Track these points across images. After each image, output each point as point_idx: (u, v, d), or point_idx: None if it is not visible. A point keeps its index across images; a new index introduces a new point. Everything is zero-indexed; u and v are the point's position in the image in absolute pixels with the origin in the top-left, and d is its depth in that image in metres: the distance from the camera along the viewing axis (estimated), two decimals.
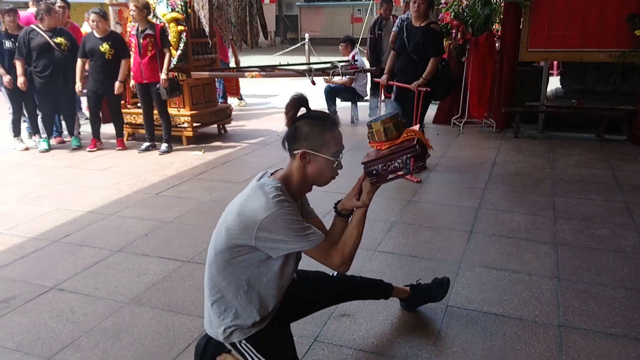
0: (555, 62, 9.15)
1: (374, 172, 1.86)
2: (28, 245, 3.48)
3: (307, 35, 12.88)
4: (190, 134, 6.21)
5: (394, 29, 6.41)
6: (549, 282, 2.85)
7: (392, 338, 2.40)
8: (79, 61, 5.71)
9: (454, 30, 6.70)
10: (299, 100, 1.76)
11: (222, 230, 1.79)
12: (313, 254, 1.76)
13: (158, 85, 5.63)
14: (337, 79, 6.85)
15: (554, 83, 8.05)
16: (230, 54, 8.44)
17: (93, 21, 5.59)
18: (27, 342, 2.41)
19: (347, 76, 6.85)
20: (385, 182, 1.91)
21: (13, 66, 5.70)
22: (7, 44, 5.78)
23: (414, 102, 4.74)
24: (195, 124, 6.24)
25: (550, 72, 8.66)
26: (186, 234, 3.62)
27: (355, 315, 2.57)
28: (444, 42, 6.92)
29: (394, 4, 8.30)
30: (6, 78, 5.71)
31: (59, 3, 6.39)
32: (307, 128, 1.73)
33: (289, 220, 1.68)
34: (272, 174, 1.83)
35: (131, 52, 5.78)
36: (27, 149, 6.10)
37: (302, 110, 1.79)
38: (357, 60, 7.03)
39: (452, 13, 6.70)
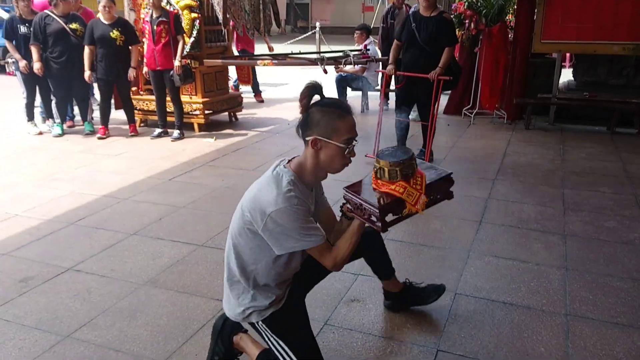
0: (567, 54, 9.09)
1: (349, 203, 1.87)
2: (44, 227, 3.56)
3: (317, 24, 12.84)
4: (202, 121, 6.26)
5: None
6: (557, 272, 2.88)
7: (400, 323, 2.46)
8: (87, 49, 5.71)
9: (467, 21, 6.68)
10: (313, 88, 1.78)
11: (239, 216, 1.85)
12: (310, 252, 1.82)
13: (171, 72, 5.67)
14: (348, 67, 6.86)
15: (566, 75, 8.00)
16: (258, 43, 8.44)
17: (105, 7, 5.61)
18: (46, 320, 2.48)
19: (359, 65, 6.86)
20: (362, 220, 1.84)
21: (28, 51, 5.77)
22: (22, 29, 5.84)
23: (426, 92, 4.72)
24: (207, 111, 6.29)
25: (563, 64, 8.61)
26: (199, 219, 3.68)
27: (365, 301, 2.63)
28: (457, 32, 6.92)
29: None
30: (22, 63, 5.78)
31: None
32: (318, 115, 1.75)
33: (295, 218, 1.71)
34: (288, 162, 1.86)
35: (144, 39, 5.82)
36: (40, 133, 6.19)
37: (317, 98, 1.81)
38: (369, 50, 7.03)
39: (466, 3, 6.67)
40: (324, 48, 11.62)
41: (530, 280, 2.80)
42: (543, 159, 5.13)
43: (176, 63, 5.62)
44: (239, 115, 7.07)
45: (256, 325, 1.91)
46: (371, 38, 7.42)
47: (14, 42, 5.86)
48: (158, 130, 6.06)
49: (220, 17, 5.81)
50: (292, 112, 7.48)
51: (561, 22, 6.24)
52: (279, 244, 1.75)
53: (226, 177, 4.62)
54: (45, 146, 5.70)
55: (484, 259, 3.05)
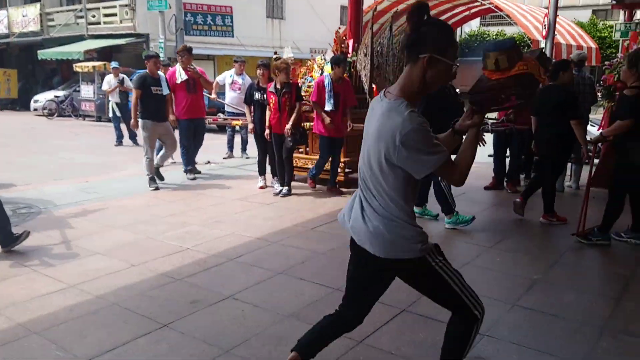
0: None
1: (477, 102, 2.03)
2: (210, 260, 4.21)
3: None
4: (342, 178, 6.80)
5: None
6: None
7: None
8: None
9: (617, 93, 6.49)
10: (422, 7, 1.86)
11: (369, 162, 1.99)
12: (438, 171, 1.89)
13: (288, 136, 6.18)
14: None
15: None
16: None
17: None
18: (211, 336, 2.99)
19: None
20: (489, 111, 2.02)
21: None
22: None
23: None
24: (347, 170, 6.84)
25: None
26: (337, 265, 4.07)
27: (489, 359, 2.75)
28: (607, 104, 6.75)
29: None
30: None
31: None
32: (434, 33, 1.85)
33: (424, 135, 1.82)
34: (384, 94, 1.98)
35: (271, 107, 6.32)
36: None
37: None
38: None
39: (616, 75, 6.51)
40: None
41: None
42: None
43: (287, 127, 6.12)
44: None
45: (429, 256, 2.05)
46: None
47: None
48: (280, 188, 6.46)
49: (365, 87, 6.41)
50: None
51: None
52: (416, 167, 1.86)
53: None
54: (210, 194, 6.64)
55: (617, 336, 2.98)
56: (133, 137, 11.07)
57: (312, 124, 6.73)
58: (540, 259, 4.25)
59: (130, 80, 11.80)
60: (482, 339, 2.93)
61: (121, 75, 11.33)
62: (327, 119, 6.15)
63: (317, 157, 6.88)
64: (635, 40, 7.33)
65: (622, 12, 13.17)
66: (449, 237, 4.90)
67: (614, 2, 11.97)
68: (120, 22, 20.46)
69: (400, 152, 1.84)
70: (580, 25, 21.08)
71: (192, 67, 7.15)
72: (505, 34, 25.14)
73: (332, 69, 6.15)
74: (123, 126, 11.14)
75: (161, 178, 7.01)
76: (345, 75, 6.36)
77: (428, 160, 1.85)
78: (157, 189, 6.70)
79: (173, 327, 3.11)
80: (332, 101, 6.17)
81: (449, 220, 5.10)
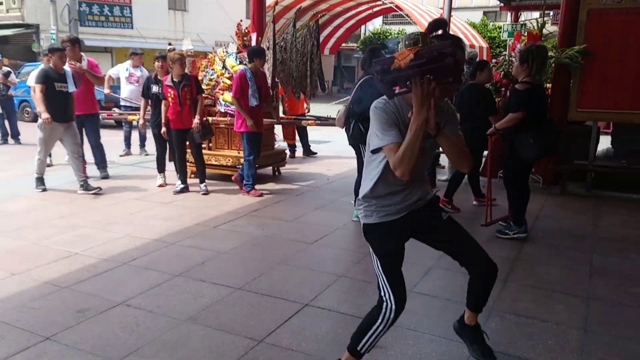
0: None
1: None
2: (101, 265, 3.93)
3: None
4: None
5: None
6: (576, 333, 2.98)
7: None
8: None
9: (503, 89, 6.96)
10: (439, 22, 2.15)
11: None
12: (385, 154, 2.10)
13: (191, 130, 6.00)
14: None
15: (607, 143, 8.04)
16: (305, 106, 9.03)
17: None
18: (99, 347, 2.78)
19: None
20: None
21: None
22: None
23: None
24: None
25: (606, 130, 8.67)
26: (239, 264, 3.98)
27: (387, 347, 2.80)
28: (495, 99, 7.19)
29: None
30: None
31: None
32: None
33: (375, 118, 2.09)
34: None
35: (169, 101, 6.04)
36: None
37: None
38: None
39: (502, 72, 6.97)
40: None
41: (549, 338, 2.91)
42: (575, 224, 5.20)
43: (195, 121, 5.95)
44: (282, 169, 7.48)
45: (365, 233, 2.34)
46: None
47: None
48: (181, 186, 6.22)
49: (269, 81, 6.33)
50: (334, 168, 7.83)
51: (598, 91, 6.39)
52: (370, 140, 2.15)
53: (266, 226, 4.94)
54: (104, 194, 6.22)
55: (504, 316, 3.18)
56: (16, 135, 10.18)
57: (214, 118, 6.55)
58: None
59: (17, 74, 10.85)
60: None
61: (5, 68, 10.33)
62: (250, 121, 5.89)
63: (223, 152, 6.72)
64: (518, 39, 7.88)
65: (509, 14, 14.15)
66: (358, 227, 4.98)
67: (502, 4, 12.87)
68: (7, 11, 18.74)
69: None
70: (473, 25, 22.50)
71: (74, 62, 6.59)
72: (405, 32, 26.11)
73: (252, 61, 5.90)
74: (9, 124, 10.22)
75: (91, 189, 6.19)
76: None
77: (372, 138, 2.13)
78: (44, 190, 6.17)
79: (56, 339, 2.85)
80: (256, 95, 5.92)
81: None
